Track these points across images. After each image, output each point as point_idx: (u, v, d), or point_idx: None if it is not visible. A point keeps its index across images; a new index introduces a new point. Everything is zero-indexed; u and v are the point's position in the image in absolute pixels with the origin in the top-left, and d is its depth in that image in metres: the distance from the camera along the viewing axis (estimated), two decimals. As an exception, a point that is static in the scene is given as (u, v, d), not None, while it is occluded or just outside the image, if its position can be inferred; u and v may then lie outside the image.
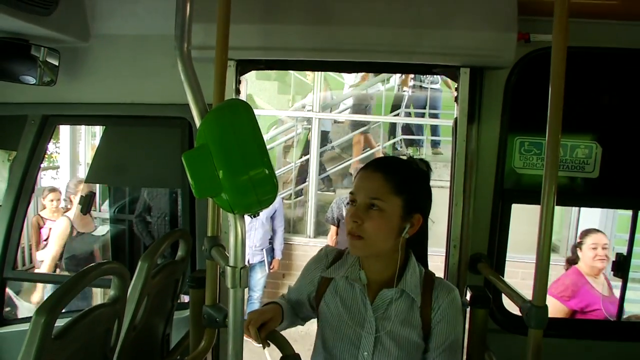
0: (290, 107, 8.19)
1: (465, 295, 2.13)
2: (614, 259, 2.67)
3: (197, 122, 1.41)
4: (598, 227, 6.10)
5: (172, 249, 2.45)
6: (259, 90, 8.53)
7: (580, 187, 2.36)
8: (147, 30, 2.30)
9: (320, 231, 6.84)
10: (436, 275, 1.72)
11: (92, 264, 1.68)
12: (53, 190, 6.07)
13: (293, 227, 6.99)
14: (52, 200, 5.90)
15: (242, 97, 2.36)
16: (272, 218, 5.85)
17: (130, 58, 2.39)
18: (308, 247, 6.56)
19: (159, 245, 2.06)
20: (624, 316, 2.98)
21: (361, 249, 1.59)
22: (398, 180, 1.57)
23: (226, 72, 1.92)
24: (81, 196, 3.54)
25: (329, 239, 5.78)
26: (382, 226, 1.55)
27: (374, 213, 1.54)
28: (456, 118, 2.25)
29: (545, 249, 1.70)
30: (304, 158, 7.23)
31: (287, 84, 8.83)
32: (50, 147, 9.28)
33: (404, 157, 1.69)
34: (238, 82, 2.27)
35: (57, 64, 2.33)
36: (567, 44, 1.65)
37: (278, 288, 6.60)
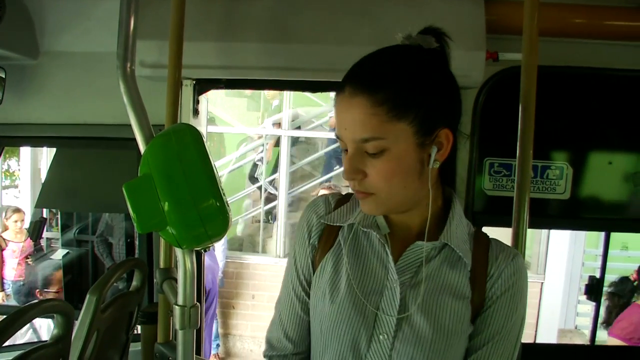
0: (260, 125, 8.08)
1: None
2: (586, 282, 2.62)
3: (142, 148, 1.31)
4: (568, 242, 6.15)
5: (129, 277, 2.31)
6: (228, 108, 8.41)
7: (552, 209, 2.30)
8: (100, 47, 2.18)
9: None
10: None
11: (32, 302, 1.54)
12: (17, 210, 5.87)
13: (262, 247, 6.86)
14: (15, 221, 5.70)
15: (202, 117, 2.25)
16: None
17: (82, 76, 2.26)
18: (277, 267, 6.43)
19: (110, 277, 1.92)
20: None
21: (377, 208, 1.08)
22: (395, 94, 0.99)
23: (179, 91, 1.82)
24: (31, 222, 3.38)
25: None
26: (394, 172, 1.02)
27: (376, 159, 1.01)
28: (425, 139, 2.17)
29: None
30: (273, 176, 7.11)
31: (256, 101, 8.74)
32: (13, 164, 9.01)
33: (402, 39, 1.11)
34: (196, 102, 2.17)
35: (3, 82, 2.20)
36: (537, 61, 1.61)
37: (247, 309, 6.46)
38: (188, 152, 1.14)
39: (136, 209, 1.12)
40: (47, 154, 7.25)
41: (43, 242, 5.87)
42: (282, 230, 6.68)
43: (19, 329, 1.49)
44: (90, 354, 1.85)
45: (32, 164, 7.16)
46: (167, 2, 1.85)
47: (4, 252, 5.78)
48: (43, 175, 7.22)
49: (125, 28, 1.45)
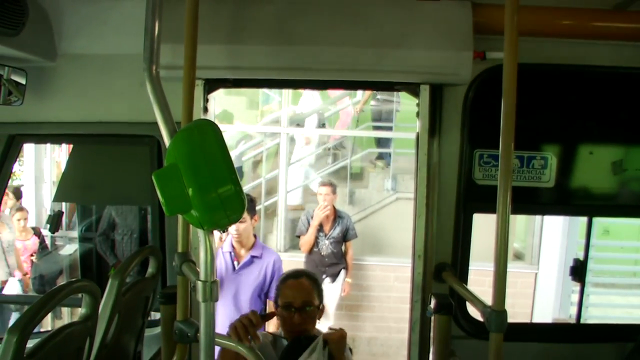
0: (259, 122, 8.21)
1: (430, 304, 2.20)
2: (572, 264, 2.78)
3: (167, 141, 1.45)
4: (561, 233, 6.28)
5: (142, 266, 2.46)
6: (227, 106, 8.53)
7: (538, 196, 2.46)
8: (114, 50, 2.33)
9: (292, 245, 6.86)
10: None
11: (63, 283, 1.69)
12: (20, 209, 6.00)
13: (263, 241, 7.01)
14: (19, 220, 5.82)
15: (210, 115, 2.40)
16: None
17: (98, 77, 2.41)
18: (279, 260, 6.57)
19: (129, 263, 2.08)
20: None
21: None
22: None
23: (194, 91, 1.96)
24: (49, 215, 3.52)
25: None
26: None
27: None
28: (418, 133, 2.33)
29: (502, 256, 1.78)
30: (274, 172, 7.23)
31: (255, 99, 8.88)
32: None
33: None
34: (206, 100, 2.32)
35: (24, 83, 2.34)
36: (517, 59, 1.75)
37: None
38: (209, 144, 1.30)
39: (164, 195, 1.27)
40: (50, 155, 7.37)
41: (48, 240, 6.00)
42: (282, 225, 6.84)
43: (55, 307, 1.64)
44: (111, 336, 2.00)
45: (36, 163, 7.25)
46: (179, 8, 1.99)
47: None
48: (46, 175, 7.32)
49: (151, 33, 1.58)
